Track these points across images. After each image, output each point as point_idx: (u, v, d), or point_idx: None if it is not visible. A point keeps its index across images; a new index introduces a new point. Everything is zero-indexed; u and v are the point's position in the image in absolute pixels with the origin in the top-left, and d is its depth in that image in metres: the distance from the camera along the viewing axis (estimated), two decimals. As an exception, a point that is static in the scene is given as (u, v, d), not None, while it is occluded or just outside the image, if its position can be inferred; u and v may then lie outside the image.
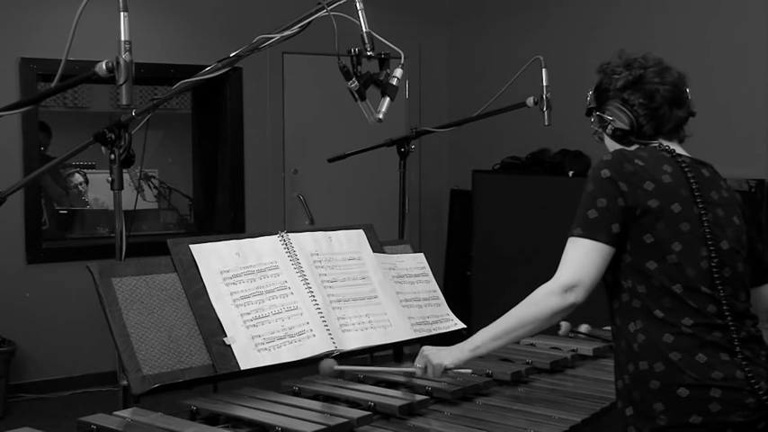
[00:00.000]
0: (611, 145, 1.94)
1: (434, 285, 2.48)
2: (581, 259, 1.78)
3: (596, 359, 2.39)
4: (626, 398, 1.77)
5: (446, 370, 1.91)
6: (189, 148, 6.02)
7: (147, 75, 4.99)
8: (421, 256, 2.52)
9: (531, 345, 2.48)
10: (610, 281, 1.82)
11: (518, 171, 5.17)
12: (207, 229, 5.58)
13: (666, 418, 1.69)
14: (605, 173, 1.80)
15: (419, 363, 1.96)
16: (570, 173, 4.81)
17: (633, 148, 1.88)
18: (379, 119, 2.17)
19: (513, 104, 3.08)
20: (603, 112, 1.92)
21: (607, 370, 2.27)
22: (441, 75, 6.09)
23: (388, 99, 2.17)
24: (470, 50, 5.97)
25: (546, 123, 3.00)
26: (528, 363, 2.23)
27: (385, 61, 2.18)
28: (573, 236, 1.81)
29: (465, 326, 2.44)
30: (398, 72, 2.18)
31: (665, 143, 1.88)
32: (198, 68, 2.14)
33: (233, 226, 5.37)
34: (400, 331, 2.28)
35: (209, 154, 5.69)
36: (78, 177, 6.07)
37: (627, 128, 1.89)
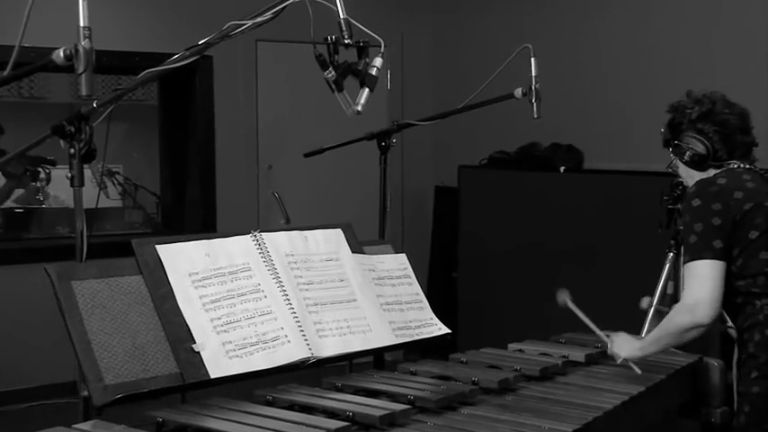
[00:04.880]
0: (687, 173, 2.38)
1: (417, 288, 2.48)
2: (695, 280, 2.20)
3: (589, 365, 2.41)
4: (751, 364, 2.23)
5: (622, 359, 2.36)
6: (156, 142, 5.99)
7: (109, 63, 4.96)
8: (403, 256, 2.52)
9: (520, 351, 2.49)
10: (726, 288, 2.22)
11: (506, 166, 5.19)
12: (175, 229, 5.55)
13: None
14: (696, 202, 2.24)
15: (609, 342, 2.41)
16: (562, 168, 4.83)
17: (711, 174, 2.31)
18: (358, 111, 2.17)
19: (501, 96, 3.09)
20: (680, 143, 2.35)
21: (600, 377, 2.29)
22: (425, 64, 6.10)
23: (366, 90, 2.17)
24: (456, 39, 5.98)
25: (535, 116, 3.01)
26: (516, 370, 2.24)
27: (364, 50, 2.19)
28: (684, 263, 2.28)
29: (449, 330, 2.45)
30: (378, 61, 2.18)
31: (739, 164, 2.32)
32: (165, 56, 2.13)
33: (203, 225, 5.35)
34: (381, 337, 2.29)
35: (177, 148, 5.66)
36: (40, 173, 6.01)
37: (704, 152, 2.32)
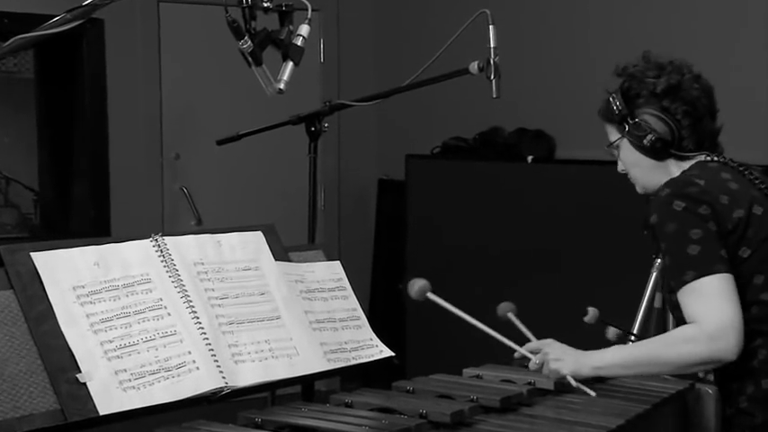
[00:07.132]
0: (635, 160, 2.19)
1: (354, 302, 2.50)
2: (712, 302, 1.98)
3: (559, 394, 2.44)
4: (743, 423, 2.09)
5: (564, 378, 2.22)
6: (33, 125, 5.92)
7: (-28, 27, 4.87)
8: (337, 264, 2.54)
9: (477, 377, 2.51)
10: None
11: (463, 155, 5.24)
12: (59, 232, 5.50)
13: None
14: (678, 204, 2.04)
15: (538, 359, 2.24)
16: (529, 158, 4.89)
17: (672, 167, 2.16)
18: (279, 89, 2.18)
19: (453, 71, 3.10)
20: (639, 121, 2.16)
21: (572, 408, 2.32)
22: (366, 34, 6.12)
23: (290, 64, 2.18)
24: (403, 3, 6.01)
25: (494, 95, 3.03)
26: (473, 400, 2.26)
27: (287, 15, 2.19)
28: (687, 283, 2.01)
29: (393, 353, 2.47)
30: (304, 29, 2.19)
31: (711, 156, 2.18)
32: (42, 19, 2.10)
33: (94, 228, 5.33)
34: (310, 361, 2.29)
35: (60, 133, 5.61)
36: None
37: (669, 138, 2.14)
